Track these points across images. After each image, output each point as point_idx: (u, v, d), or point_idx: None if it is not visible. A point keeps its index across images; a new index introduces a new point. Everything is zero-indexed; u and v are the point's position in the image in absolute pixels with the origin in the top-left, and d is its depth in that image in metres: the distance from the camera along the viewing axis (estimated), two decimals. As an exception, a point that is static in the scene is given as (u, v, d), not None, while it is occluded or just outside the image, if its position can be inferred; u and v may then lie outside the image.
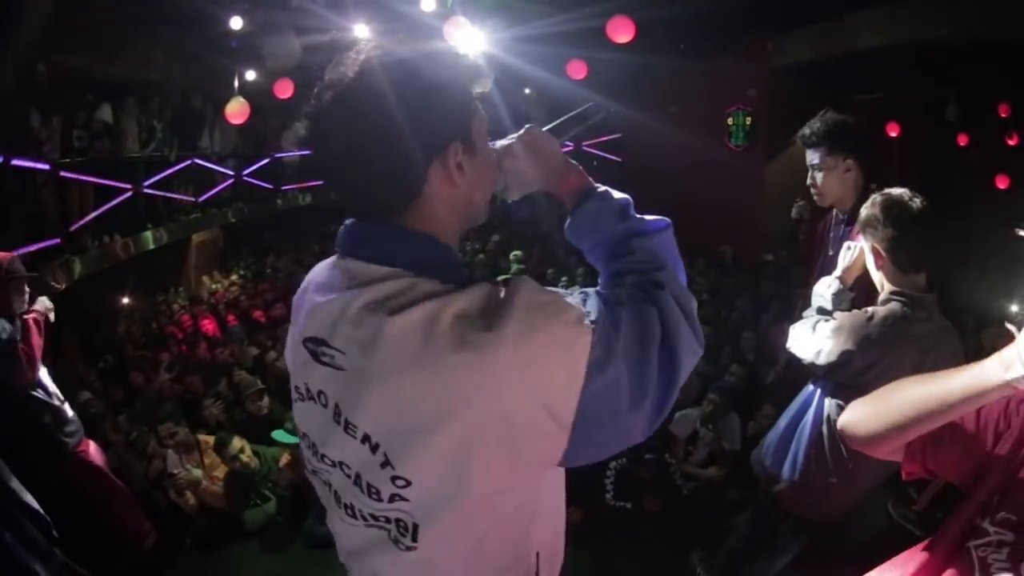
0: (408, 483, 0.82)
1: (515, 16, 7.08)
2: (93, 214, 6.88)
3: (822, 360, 1.85)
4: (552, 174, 1.03)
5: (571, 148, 11.47)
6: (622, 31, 6.41)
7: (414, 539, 0.86)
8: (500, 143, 1.00)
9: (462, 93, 0.86)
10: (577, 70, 7.63)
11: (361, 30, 6.22)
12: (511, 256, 8.20)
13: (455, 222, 0.90)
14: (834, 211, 2.46)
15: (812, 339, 1.90)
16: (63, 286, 6.07)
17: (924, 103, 8.50)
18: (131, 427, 4.35)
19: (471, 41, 6.25)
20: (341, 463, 0.89)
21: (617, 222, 0.98)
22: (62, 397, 3.04)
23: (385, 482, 0.84)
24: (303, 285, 0.95)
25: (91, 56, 7.36)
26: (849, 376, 1.82)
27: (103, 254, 7.00)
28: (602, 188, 1.01)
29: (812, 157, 2.37)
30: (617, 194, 1.01)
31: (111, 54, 7.58)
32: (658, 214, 0.99)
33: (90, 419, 4.38)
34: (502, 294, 0.80)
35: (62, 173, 6.45)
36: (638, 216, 0.99)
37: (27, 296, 2.94)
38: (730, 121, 8.36)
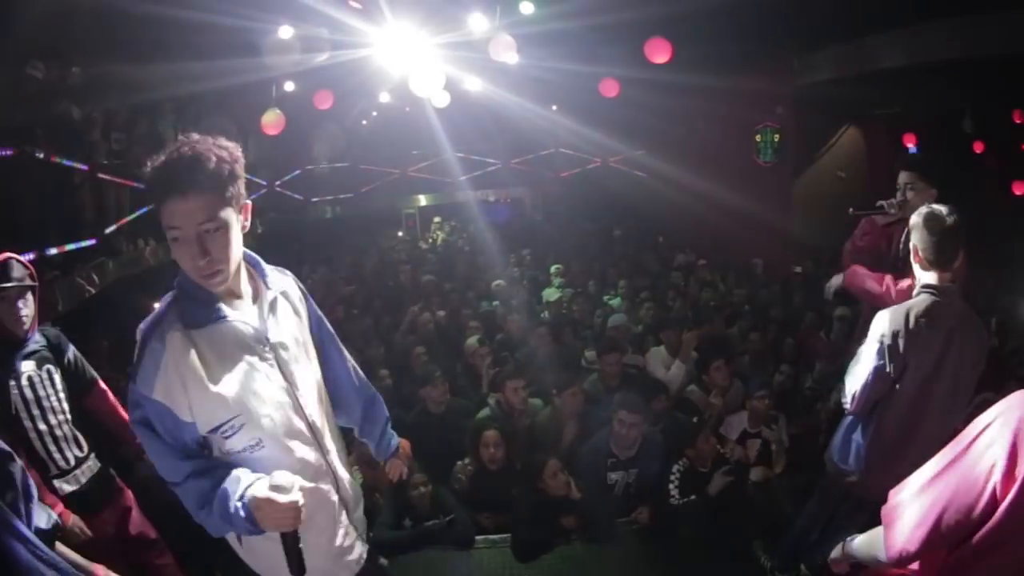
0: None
1: (555, 35, 7.22)
2: (129, 217, 6.91)
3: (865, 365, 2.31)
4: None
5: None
6: (659, 52, 6.57)
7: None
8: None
9: None
10: (609, 88, 7.81)
11: (413, 39, 6.30)
12: (551, 270, 8.28)
13: None
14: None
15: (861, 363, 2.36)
16: (95, 290, 6.05)
17: (941, 115, 8.71)
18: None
19: (510, 57, 6.39)
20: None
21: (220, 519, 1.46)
22: None
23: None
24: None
25: (127, 63, 7.46)
26: (896, 366, 2.25)
27: (134, 258, 7.01)
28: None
29: (908, 178, 2.87)
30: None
31: (147, 62, 7.70)
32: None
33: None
34: None
35: (100, 175, 6.48)
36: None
37: (27, 312, 2.42)
38: (758, 138, 8.54)
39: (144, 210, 7.12)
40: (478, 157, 13.50)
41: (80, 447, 2.53)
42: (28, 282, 2.41)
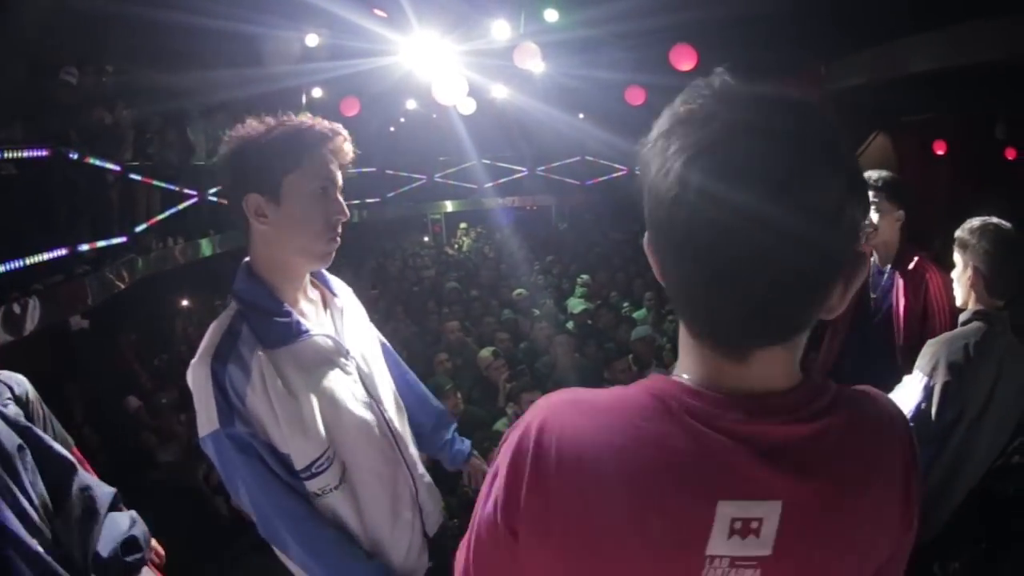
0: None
1: (580, 43, 7.23)
2: (158, 217, 7.05)
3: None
4: None
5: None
6: (685, 59, 6.52)
7: None
8: None
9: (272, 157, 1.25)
10: (635, 96, 7.77)
11: (438, 46, 6.36)
12: (578, 280, 8.22)
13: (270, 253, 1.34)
14: (872, 259, 2.55)
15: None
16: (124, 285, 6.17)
17: (972, 122, 8.42)
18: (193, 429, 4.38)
19: (534, 65, 6.41)
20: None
21: None
22: None
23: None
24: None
25: (159, 69, 7.64)
26: (952, 411, 1.87)
27: (163, 256, 7.15)
28: None
29: (871, 197, 2.45)
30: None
31: (178, 68, 7.86)
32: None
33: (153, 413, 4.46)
34: None
35: (131, 175, 6.60)
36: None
37: None
38: (785, 147, 8.29)
39: (173, 210, 7.29)
40: (504, 164, 13.57)
41: None
42: None
